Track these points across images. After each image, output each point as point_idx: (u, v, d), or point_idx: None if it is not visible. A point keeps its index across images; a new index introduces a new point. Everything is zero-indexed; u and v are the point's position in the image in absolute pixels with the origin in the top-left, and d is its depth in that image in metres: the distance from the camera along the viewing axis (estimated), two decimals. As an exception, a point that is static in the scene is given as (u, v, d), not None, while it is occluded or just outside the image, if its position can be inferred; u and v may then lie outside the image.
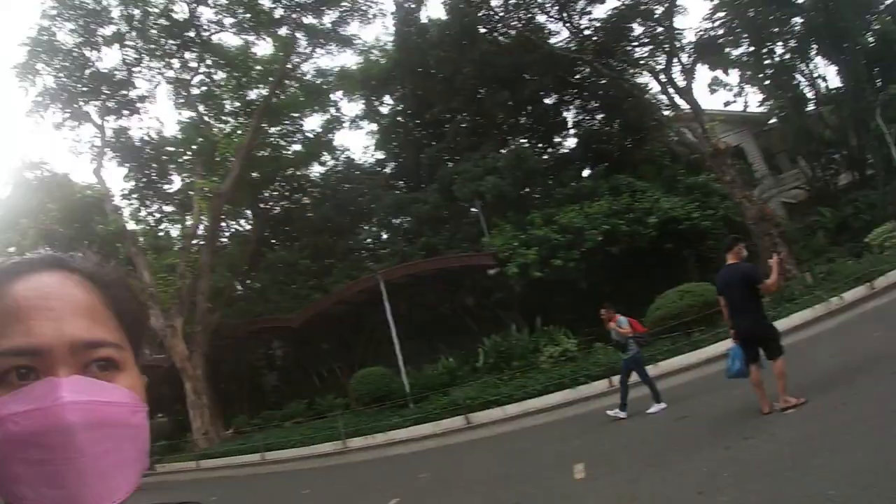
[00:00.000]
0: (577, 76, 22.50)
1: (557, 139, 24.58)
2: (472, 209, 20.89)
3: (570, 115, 24.14)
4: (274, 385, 25.28)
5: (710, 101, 55.29)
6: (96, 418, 0.54)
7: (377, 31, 60.11)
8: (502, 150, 21.06)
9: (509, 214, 19.24)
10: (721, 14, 21.34)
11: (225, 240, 28.84)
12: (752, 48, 22.32)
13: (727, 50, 22.53)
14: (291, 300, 22.82)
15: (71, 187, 24.18)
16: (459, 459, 10.19)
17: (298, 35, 23.17)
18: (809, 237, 19.08)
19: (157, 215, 26.97)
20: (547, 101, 23.60)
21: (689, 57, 20.47)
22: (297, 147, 25.93)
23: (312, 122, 26.87)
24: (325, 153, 26.98)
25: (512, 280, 17.64)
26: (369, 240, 22.98)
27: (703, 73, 61.56)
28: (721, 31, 21.44)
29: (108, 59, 23.82)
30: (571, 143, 24.36)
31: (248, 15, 22.27)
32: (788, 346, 10.47)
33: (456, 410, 13.01)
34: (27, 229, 22.74)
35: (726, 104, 25.21)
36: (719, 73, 23.79)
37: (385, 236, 23.89)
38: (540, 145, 23.78)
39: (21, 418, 0.52)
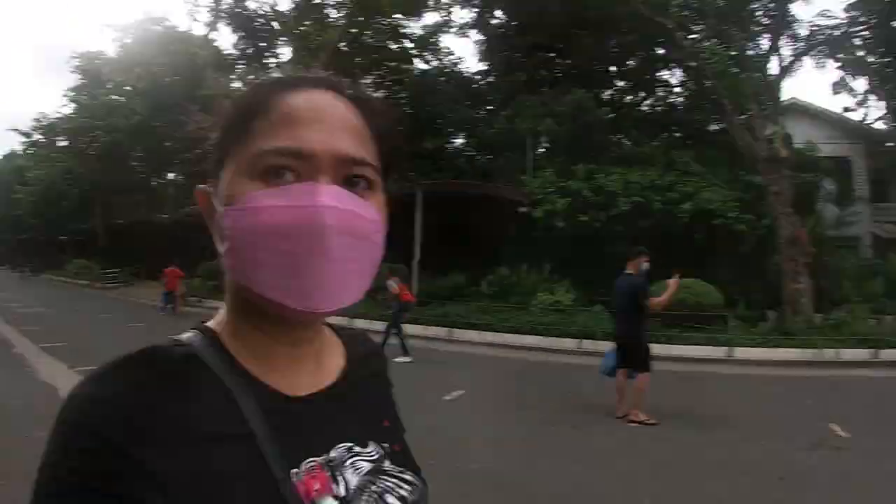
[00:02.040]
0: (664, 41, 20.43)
1: (632, 97, 23.88)
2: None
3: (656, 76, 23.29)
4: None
5: (832, 103, 49.95)
6: (348, 226, 0.58)
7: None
8: (570, 96, 20.14)
9: (559, 160, 19.11)
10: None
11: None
12: (885, 54, 19.04)
13: (861, 54, 19.58)
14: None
15: (185, 45, 25.87)
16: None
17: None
18: (867, 279, 16.76)
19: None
20: (631, 61, 22.64)
21: (793, 48, 18.57)
22: (406, 43, 25.91)
23: (422, 22, 26.25)
24: (429, 54, 26.93)
25: (537, 223, 17.80)
26: (443, 147, 23.70)
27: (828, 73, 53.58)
28: (846, 27, 18.80)
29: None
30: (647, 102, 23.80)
31: None
32: (718, 371, 10.75)
33: (442, 322, 14.50)
34: (139, 76, 25.22)
35: (846, 110, 22.64)
36: (847, 75, 20.67)
37: (455, 148, 24.89)
38: (608, 96, 23.13)
39: (278, 212, 0.56)
